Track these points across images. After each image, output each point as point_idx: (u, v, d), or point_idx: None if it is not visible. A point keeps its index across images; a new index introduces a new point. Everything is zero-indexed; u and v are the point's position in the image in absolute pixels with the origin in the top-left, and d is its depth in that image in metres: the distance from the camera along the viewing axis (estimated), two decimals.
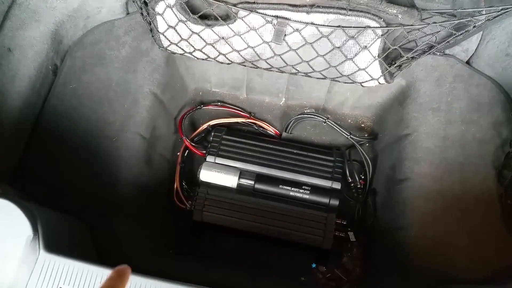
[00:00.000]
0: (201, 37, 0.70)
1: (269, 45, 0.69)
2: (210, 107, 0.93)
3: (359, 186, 0.85)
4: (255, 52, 0.71)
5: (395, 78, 0.75)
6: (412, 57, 0.70)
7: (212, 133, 0.84)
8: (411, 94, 0.78)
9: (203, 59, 0.77)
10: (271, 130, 0.91)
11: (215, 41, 0.71)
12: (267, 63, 0.73)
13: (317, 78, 0.75)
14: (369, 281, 0.75)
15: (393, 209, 0.73)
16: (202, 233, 0.81)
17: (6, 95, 0.70)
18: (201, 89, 0.96)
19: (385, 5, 0.59)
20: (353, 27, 0.63)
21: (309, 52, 0.68)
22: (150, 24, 0.72)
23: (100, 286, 0.35)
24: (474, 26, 0.62)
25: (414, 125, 0.75)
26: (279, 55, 0.70)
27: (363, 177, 0.85)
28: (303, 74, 0.75)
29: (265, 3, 0.63)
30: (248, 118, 0.92)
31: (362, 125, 0.93)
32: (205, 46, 0.72)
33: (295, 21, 0.63)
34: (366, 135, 0.91)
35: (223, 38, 0.70)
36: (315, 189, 0.77)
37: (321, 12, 0.62)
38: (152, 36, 0.75)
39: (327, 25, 0.63)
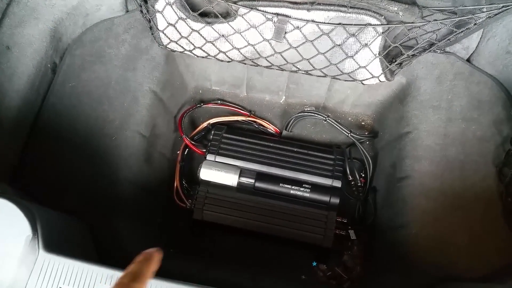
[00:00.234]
0: (201, 35, 0.70)
1: (270, 43, 0.69)
2: (210, 105, 0.93)
3: (359, 184, 0.84)
4: (256, 50, 0.71)
5: (396, 76, 0.75)
6: (413, 55, 0.70)
7: (212, 132, 0.84)
8: (411, 92, 0.78)
9: (203, 57, 0.77)
10: (271, 128, 0.91)
11: (215, 38, 0.71)
12: (268, 61, 0.73)
13: (318, 76, 0.75)
14: (370, 279, 0.75)
15: (394, 207, 0.73)
16: (202, 232, 0.81)
17: (5, 94, 0.70)
18: (201, 87, 0.95)
19: (386, 2, 0.59)
20: (354, 24, 0.62)
21: (310, 50, 0.68)
22: (150, 21, 0.72)
23: (127, 270, 0.33)
24: (475, 24, 0.62)
25: (415, 123, 0.75)
26: (280, 53, 0.70)
27: (363, 175, 0.85)
28: (303, 72, 0.75)
29: (266, 1, 0.62)
30: (248, 116, 0.91)
31: (363, 123, 0.93)
32: (205, 44, 0.72)
33: (295, 18, 0.63)
34: (366, 133, 0.91)
35: (223, 35, 0.70)
36: (315, 187, 0.77)
37: (322, 9, 0.62)
38: (152, 34, 0.75)
39: (328, 23, 0.63)
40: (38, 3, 0.76)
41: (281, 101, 0.94)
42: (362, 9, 0.61)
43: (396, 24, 0.61)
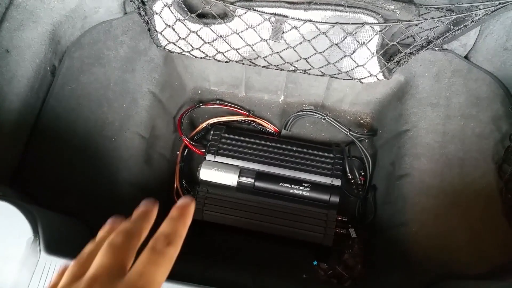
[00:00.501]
0: (199, 36, 0.70)
1: (267, 43, 0.69)
2: (209, 105, 0.93)
3: (359, 182, 0.85)
4: (253, 50, 0.71)
5: (394, 74, 0.75)
6: (411, 53, 0.70)
7: (211, 132, 0.84)
8: (409, 89, 0.78)
9: (201, 58, 0.77)
10: (270, 127, 0.91)
11: (213, 39, 0.71)
12: (266, 60, 0.73)
13: (316, 75, 0.75)
14: (371, 277, 0.75)
15: (394, 205, 0.73)
16: (202, 232, 0.81)
17: (4, 97, 0.70)
18: (199, 88, 0.96)
19: (383, 1, 0.59)
20: (351, 23, 0.63)
21: (307, 49, 0.68)
22: (148, 23, 0.72)
23: (160, 230, 0.28)
24: (472, 21, 0.62)
25: (413, 121, 0.75)
26: (277, 52, 0.70)
27: (363, 173, 0.85)
28: (301, 71, 0.75)
29: (263, 1, 0.62)
30: (247, 116, 0.92)
31: (362, 121, 0.93)
32: (203, 44, 0.72)
33: (293, 18, 0.63)
34: (365, 131, 0.91)
35: (221, 36, 0.70)
36: (315, 186, 0.77)
37: (319, 9, 0.62)
38: (150, 35, 0.75)
39: (325, 22, 0.63)
40: (36, 6, 0.77)
41: (279, 101, 0.94)
42: (359, 8, 0.61)
43: (393, 22, 0.61)
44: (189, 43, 0.73)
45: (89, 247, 0.30)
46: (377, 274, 0.73)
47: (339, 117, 0.93)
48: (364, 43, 0.66)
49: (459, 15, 0.60)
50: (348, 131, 0.87)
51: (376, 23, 0.62)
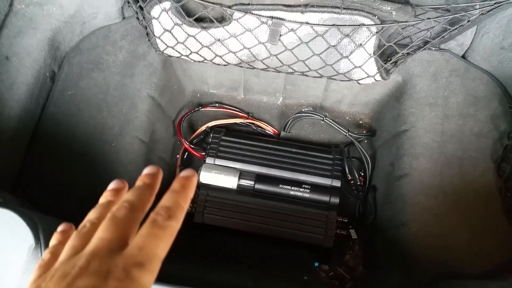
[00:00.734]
0: (197, 40, 0.71)
1: (265, 46, 0.69)
2: (208, 108, 0.93)
3: (359, 183, 0.85)
4: (251, 53, 0.71)
5: (391, 75, 0.75)
6: (408, 53, 0.70)
7: (211, 135, 0.84)
8: (407, 90, 0.79)
9: (199, 61, 0.77)
10: (269, 129, 0.92)
11: (211, 43, 0.71)
12: (263, 63, 0.74)
13: (314, 77, 0.75)
14: (372, 278, 0.75)
15: (393, 205, 0.73)
16: (203, 235, 0.82)
17: (5, 104, 0.70)
18: (198, 91, 0.96)
19: (379, 2, 0.60)
20: (348, 25, 0.63)
21: (305, 51, 0.68)
22: (146, 28, 0.73)
23: (161, 203, 0.27)
24: (468, 21, 0.62)
25: (412, 121, 0.75)
26: (275, 55, 0.70)
27: (362, 174, 0.86)
28: (299, 73, 0.75)
29: (260, 4, 0.63)
30: (246, 118, 0.92)
31: (360, 122, 0.94)
32: (201, 48, 0.72)
33: (290, 21, 0.64)
34: (364, 132, 0.91)
35: (219, 40, 0.70)
36: (315, 188, 0.78)
37: (316, 11, 0.62)
38: (149, 40, 0.76)
39: (322, 24, 0.63)
40: (35, 13, 0.77)
41: (278, 103, 0.95)
42: (355, 9, 0.61)
43: (390, 23, 0.62)
44: (187, 47, 0.73)
45: (90, 215, 0.30)
46: (378, 274, 0.73)
47: (338, 118, 0.93)
48: (361, 44, 0.66)
49: (456, 15, 0.60)
50: (347, 132, 0.87)
51: (372, 25, 0.62)
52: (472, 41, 0.78)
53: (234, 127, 0.93)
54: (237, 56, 0.73)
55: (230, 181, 0.78)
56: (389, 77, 0.74)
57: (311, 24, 0.63)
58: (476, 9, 0.61)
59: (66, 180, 0.70)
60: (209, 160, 0.80)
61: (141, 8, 0.69)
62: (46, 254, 0.29)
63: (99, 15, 0.82)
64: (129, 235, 0.26)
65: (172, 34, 0.71)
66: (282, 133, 0.90)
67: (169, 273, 0.64)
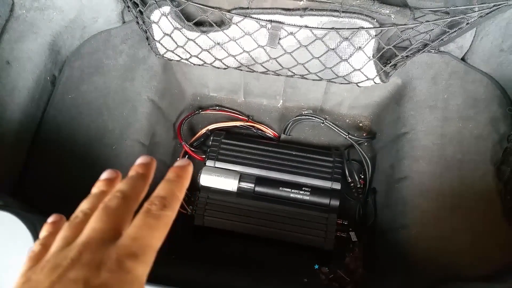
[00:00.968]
0: (196, 44, 0.71)
1: (264, 49, 0.69)
2: (208, 111, 0.93)
3: (359, 185, 0.85)
4: (251, 56, 0.71)
5: (391, 77, 0.75)
6: (407, 56, 0.70)
7: (211, 138, 0.84)
8: (407, 92, 0.79)
9: (199, 65, 0.78)
10: (269, 132, 0.92)
11: (211, 47, 0.71)
12: (263, 66, 0.74)
13: (313, 79, 0.76)
14: (372, 280, 0.75)
15: (394, 208, 0.73)
16: (204, 238, 0.82)
17: (6, 108, 0.71)
18: (199, 94, 0.96)
19: (378, 5, 0.60)
20: (347, 28, 0.63)
21: (304, 55, 0.69)
22: (146, 32, 0.73)
23: (156, 193, 0.27)
24: (467, 23, 0.62)
25: (412, 124, 0.76)
26: (275, 58, 0.71)
27: (362, 176, 0.86)
28: (299, 76, 0.76)
29: (259, 8, 0.63)
30: (247, 121, 0.92)
31: (360, 125, 0.94)
32: (201, 52, 0.73)
33: (289, 24, 0.64)
34: (364, 135, 0.91)
35: (218, 43, 0.71)
36: (315, 190, 0.78)
37: (315, 15, 0.62)
38: (149, 44, 0.76)
39: (321, 28, 0.63)
40: (36, 18, 0.78)
41: (278, 105, 0.95)
42: (354, 13, 0.61)
43: (389, 26, 0.62)
44: (187, 51, 0.74)
45: (83, 205, 0.28)
46: (379, 277, 0.73)
47: (338, 121, 0.94)
48: (360, 47, 0.66)
49: (454, 18, 0.61)
50: (347, 134, 0.87)
51: (371, 28, 0.62)
52: (472, 44, 0.78)
53: (235, 130, 0.93)
54: (237, 60, 0.73)
55: (230, 184, 0.78)
56: (388, 80, 0.74)
57: (310, 27, 0.63)
58: (475, 11, 0.61)
59: (67, 183, 0.70)
60: (209, 163, 0.80)
61: (141, 12, 0.69)
62: (36, 245, 0.28)
63: (99, 19, 0.83)
64: (122, 225, 0.26)
65: (172, 38, 0.71)
66: (282, 136, 0.91)
67: (168, 276, 0.64)
